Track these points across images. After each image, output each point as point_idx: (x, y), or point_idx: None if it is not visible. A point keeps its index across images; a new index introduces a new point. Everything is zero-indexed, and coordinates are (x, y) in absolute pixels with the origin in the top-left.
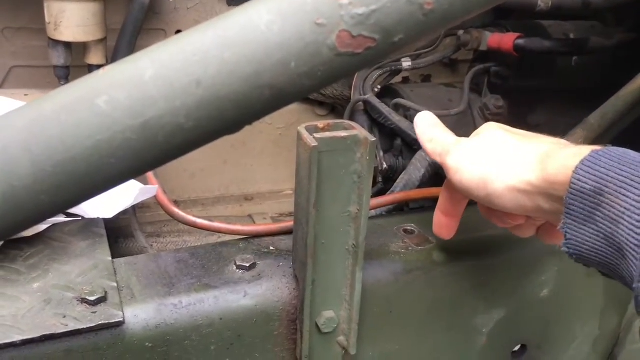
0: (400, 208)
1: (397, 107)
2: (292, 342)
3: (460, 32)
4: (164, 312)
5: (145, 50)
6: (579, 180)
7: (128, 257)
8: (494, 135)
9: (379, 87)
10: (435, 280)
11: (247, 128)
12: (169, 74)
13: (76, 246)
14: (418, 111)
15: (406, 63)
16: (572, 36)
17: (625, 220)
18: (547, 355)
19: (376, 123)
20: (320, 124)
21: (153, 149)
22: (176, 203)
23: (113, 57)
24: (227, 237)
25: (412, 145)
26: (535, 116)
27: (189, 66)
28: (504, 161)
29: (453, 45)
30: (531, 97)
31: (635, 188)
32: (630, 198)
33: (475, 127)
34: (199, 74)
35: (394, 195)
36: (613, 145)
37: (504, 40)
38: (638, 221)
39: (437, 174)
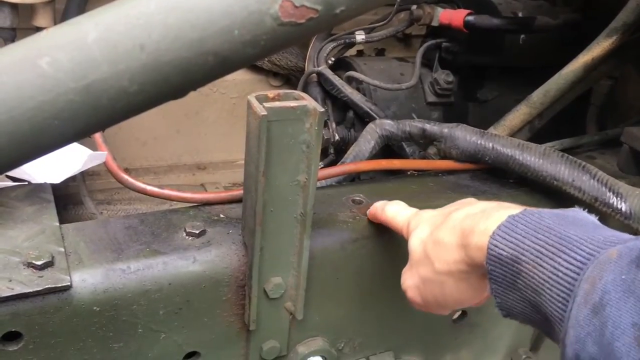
0: (352, 179)
1: (349, 80)
2: (241, 308)
3: (414, 7)
4: (112, 277)
5: (90, 13)
6: (495, 246)
7: (76, 223)
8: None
9: (333, 59)
10: (381, 248)
11: (201, 97)
12: (113, 37)
13: (22, 211)
14: (370, 84)
15: (360, 36)
16: (520, 15)
17: (546, 292)
18: (487, 320)
19: (329, 95)
20: (271, 93)
21: (97, 112)
22: (127, 171)
23: (62, 20)
24: (179, 205)
25: (364, 118)
26: (484, 92)
27: (133, 30)
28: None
29: (406, 20)
30: (481, 73)
31: (550, 258)
32: (546, 269)
33: (425, 100)
34: (143, 38)
35: (344, 167)
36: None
37: (455, 16)
38: (558, 294)
39: (387, 146)
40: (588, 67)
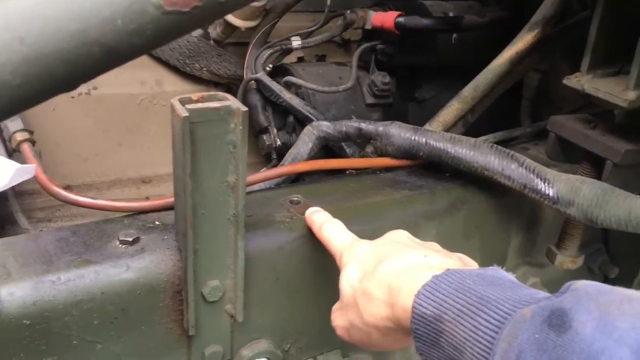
0: (293, 181)
1: (288, 85)
2: (179, 313)
3: (347, 12)
4: (42, 289)
5: None
6: (420, 305)
7: (6, 238)
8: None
9: (271, 66)
10: (320, 246)
11: (141, 110)
12: None
13: None
14: (308, 88)
15: (296, 42)
16: (450, 15)
17: (467, 351)
18: None
19: (269, 101)
20: (195, 96)
21: None
22: (69, 188)
23: None
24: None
25: (304, 122)
26: (422, 91)
27: (11, 23)
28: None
29: (341, 24)
30: (417, 73)
31: (471, 317)
32: (467, 328)
33: (365, 102)
34: (22, 31)
35: (281, 169)
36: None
37: (386, 18)
38: (478, 353)
39: (325, 147)
40: (513, 61)
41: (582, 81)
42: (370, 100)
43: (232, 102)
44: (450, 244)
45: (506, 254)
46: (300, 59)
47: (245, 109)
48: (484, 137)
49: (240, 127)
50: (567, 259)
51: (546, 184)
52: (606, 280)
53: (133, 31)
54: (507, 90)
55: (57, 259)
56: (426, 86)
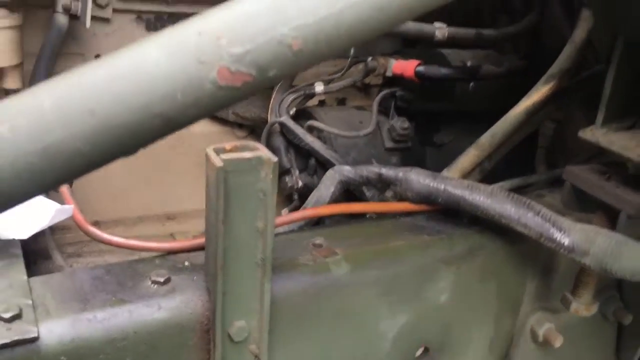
0: (315, 223)
1: (310, 129)
2: (207, 352)
3: (369, 59)
4: (78, 327)
5: (45, 82)
6: None
7: (43, 276)
8: None
9: (295, 109)
10: (341, 290)
11: (169, 150)
12: (65, 104)
13: None
14: (330, 132)
15: (319, 87)
16: (468, 64)
17: None
18: (448, 357)
19: (291, 144)
20: (228, 145)
21: (54, 171)
22: (97, 224)
23: (30, 81)
24: (145, 255)
25: (325, 164)
26: (440, 136)
27: (84, 97)
28: None
29: (362, 71)
30: (435, 118)
31: None
32: None
33: (384, 146)
34: (92, 105)
35: (304, 212)
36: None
37: (407, 67)
38: None
39: (347, 191)
40: (529, 111)
41: (596, 134)
42: (389, 144)
43: (263, 152)
44: (467, 287)
45: (522, 299)
46: (322, 102)
47: (275, 159)
48: (500, 184)
49: (270, 176)
50: (582, 306)
51: (562, 234)
52: (620, 327)
53: (190, 103)
54: (524, 138)
55: (93, 297)
56: (444, 131)
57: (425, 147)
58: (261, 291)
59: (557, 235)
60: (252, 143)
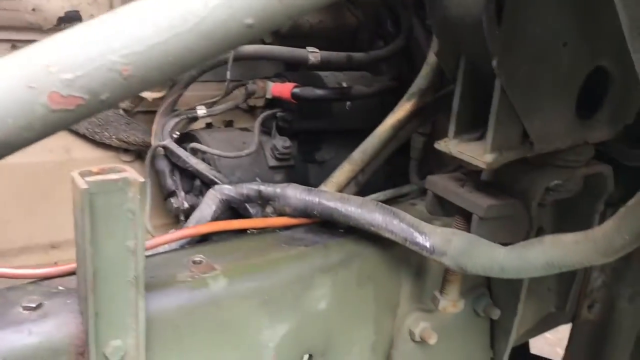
0: (199, 242)
1: (194, 151)
2: None
3: (249, 83)
4: None
5: None
6: None
7: None
8: None
9: (178, 133)
10: (219, 304)
11: (51, 177)
12: None
13: None
14: (213, 154)
15: (201, 111)
16: (344, 85)
17: None
18: None
19: (176, 166)
20: (95, 168)
21: None
22: None
23: None
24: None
25: (210, 185)
26: (322, 154)
27: None
28: None
29: (244, 94)
30: (317, 136)
31: None
32: None
33: (268, 165)
34: None
35: (183, 231)
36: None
37: (284, 89)
38: None
39: (233, 210)
40: (395, 127)
41: (449, 145)
42: (272, 163)
43: (130, 174)
44: (345, 293)
45: (399, 301)
46: (209, 125)
47: (142, 179)
48: (375, 195)
49: (138, 196)
50: (449, 303)
51: (423, 237)
52: (492, 322)
53: (23, 127)
54: (400, 151)
55: None
56: (326, 149)
57: (308, 164)
58: (135, 309)
59: (419, 239)
60: (119, 166)
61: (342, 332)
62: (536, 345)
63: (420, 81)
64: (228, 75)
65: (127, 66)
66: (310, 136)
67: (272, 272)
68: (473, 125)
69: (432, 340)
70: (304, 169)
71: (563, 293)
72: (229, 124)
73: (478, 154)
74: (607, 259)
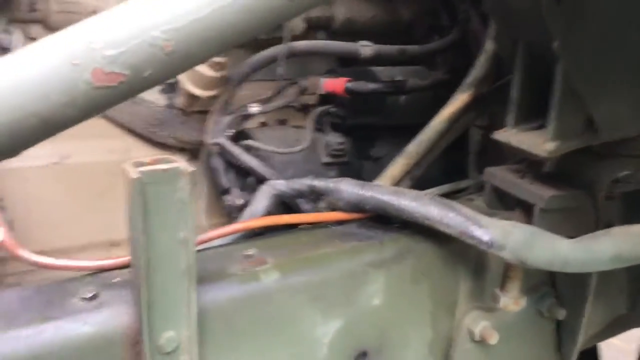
0: (252, 236)
1: (247, 148)
2: None
3: (301, 80)
4: (2, 346)
5: None
6: None
7: None
8: None
9: (232, 131)
10: (272, 297)
11: (111, 177)
12: None
13: None
14: (266, 151)
15: (253, 108)
16: (397, 79)
17: None
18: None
19: (230, 164)
20: (148, 159)
21: None
22: (43, 254)
23: None
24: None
25: (263, 182)
26: (376, 150)
27: None
28: None
29: (296, 91)
30: (370, 133)
31: None
32: None
33: (321, 162)
34: None
35: (234, 226)
36: None
37: (337, 84)
38: None
39: (286, 206)
40: (451, 119)
41: (508, 135)
42: (326, 159)
43: (180, 163)
44: (399, 289)
45: (457, 300)
46: (263, 124)
47: (192, 169)
48: (431, 190)
49: (188, 186)
50: (510, 300)
51: (481, 230)
52: (559, 323)
53: (66, 103)
54: (457, 145)
55: (19, 316)
56: (380, 144)
57: (362, 161)
58: (188, 300)
59: (477, 232)
60: (171, 157)
61: (397, 329)
62: (608, 355)
63: (476, 71)
64: (281, 70)
65: (168, 42)
66: (364, 132)
67: (325, 267)
68: (533, 114)
69: (493, 339)
70: (358, 165)
71: (635, 293)
72: (282, 123)
73: (538, 143)
74: None
